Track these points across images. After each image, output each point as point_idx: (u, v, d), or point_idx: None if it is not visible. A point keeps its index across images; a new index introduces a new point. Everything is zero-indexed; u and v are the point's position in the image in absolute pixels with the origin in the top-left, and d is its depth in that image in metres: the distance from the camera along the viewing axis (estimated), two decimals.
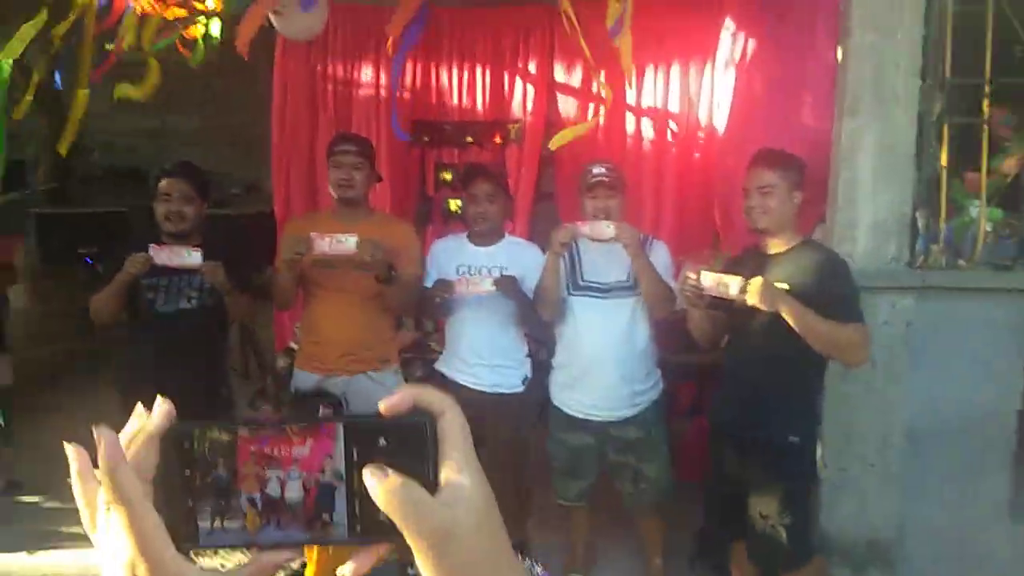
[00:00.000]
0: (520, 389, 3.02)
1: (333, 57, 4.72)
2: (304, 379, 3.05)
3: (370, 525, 0.47)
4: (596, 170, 2.74)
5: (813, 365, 2.46)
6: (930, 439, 2.93)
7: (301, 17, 3.08)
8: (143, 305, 2.83)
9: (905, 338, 2.84)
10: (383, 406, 0.48)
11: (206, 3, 3.26)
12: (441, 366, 3.14)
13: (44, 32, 5.04)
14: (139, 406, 0.49)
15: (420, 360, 3.81)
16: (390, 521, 0.45)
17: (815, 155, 2.99)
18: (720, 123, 4.53)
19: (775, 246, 2.51)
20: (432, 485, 0.47)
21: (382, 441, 0.48)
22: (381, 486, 0.45)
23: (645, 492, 2.85)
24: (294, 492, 0.47)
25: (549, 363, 4.02)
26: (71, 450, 0.47)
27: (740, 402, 2.54)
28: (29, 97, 3.36)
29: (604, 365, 2.76)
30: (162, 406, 0.48)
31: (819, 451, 2.86)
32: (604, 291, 2.74)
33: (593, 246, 2.82)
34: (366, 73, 4.74)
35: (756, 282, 2.28)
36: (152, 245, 2.70)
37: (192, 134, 9.18)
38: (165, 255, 2.68)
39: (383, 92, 4.78)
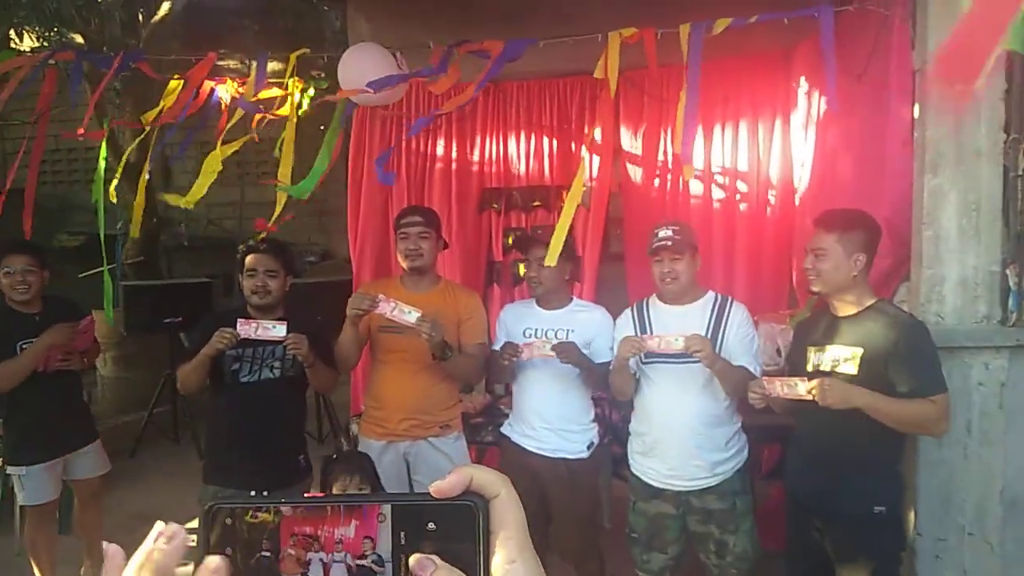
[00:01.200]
0: (585, 455, 2.98)
1: (406, 130, 4.88)
2: (368, 446, 3.09)
3: None
4: (661, 233, 2.71)
5: (893, 430, 2.35)
6: None
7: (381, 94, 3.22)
8: (228, 375, 2.92)
9: (1000, 400, 2.71)
10: (434, 489, 0.46)
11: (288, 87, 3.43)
12: (507, 430, 3.14)
13: (135, 117, 5.34)
14: (159, 524, 0.48)
15: (490, 425, 3.79)
16: None
17: (896, 213, 2.94)
18: (794, 181, 4.51)
19: (844, 308, 2.45)
20: (483, 573, 0.45)
21: (431, 525, 0.46)
22: None
23: (731, 566, 2.70)
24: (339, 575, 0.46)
25: (622, 426, 4.01)
26: (107, 550, 0.47)
27: (819, 471, 2.44)
28: (116, 179, 3.55)
29: (679, 433, 2.68)
30: (178, 536, 0.47)
31: (911, 520, 2.73)
32: (677, 358, 2.63)
33: (665, 310, 2.79)
34: (437, 144, 4.89)
35: (824, 384, 2.25)
36: (240, 320, 2.79)
37: (269, 205, 9.55)
38: (251, 329, 2.76)
39: (454, 163, 4.92)
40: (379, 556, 0.46)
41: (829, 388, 2.25)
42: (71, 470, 3.58)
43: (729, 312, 2.73)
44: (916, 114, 2.77)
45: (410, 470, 3.04)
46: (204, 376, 2.89)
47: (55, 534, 3.69)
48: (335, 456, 2.81)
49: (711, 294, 2.80)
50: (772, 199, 4.67)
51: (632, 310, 2.89)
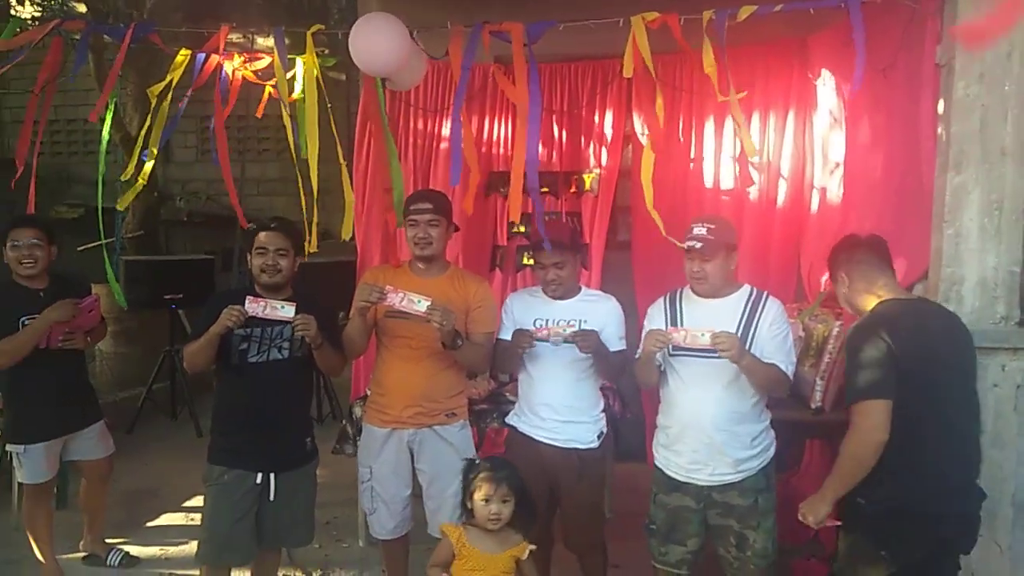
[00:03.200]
0: (595, 445, 2.96)
1: (414, 110, 4.82)
2: (371, 432, 3.06)
3: None
4: (695, 231, 2.65)
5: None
6: None
7: (404, 78, 3.15)
8: (235, 355, 2.87)
9: (1015, 402, 2.69)
10: None
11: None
12: (513, 420, 3.10)
13: (140, 91, 5.22)
14: None
15: (495, 411, 3.77)
16: None
17: (912, 210, 2.91)
18: (805, 173, 4.47)
19: None
20: None
21: None
22: None
23: (750, 560, 2.66)
24: None
25: (624, 417, 3.99)
26: None
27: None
28: (133, 163, 3.46)
29: (704, 429, 2.64)
30: None
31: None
32: (704, 352, 2.58)
33: (697, 302, 2.73)
34: (444, 125, 4.81)
35: None
36: (248, 297, 2.75)
37: (270, 182, 9.52)
38: (260, 308, 2.73)
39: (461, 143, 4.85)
40: None
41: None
42: (72, 451, 3.55)
43: (763, 307, 2.66)
44: (940, 110, 2.73)
45: (414, 459, 3.01)
46: (212, 355, 2.84)
47: (53, 510, 3.67)
48: (476, 461, 2.65)
49: (746, 288, 2.73)
50: (782, 191, 4.63)
51: (664, 300, 2.83)
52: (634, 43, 2.84)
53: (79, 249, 5.87)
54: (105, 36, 3.95)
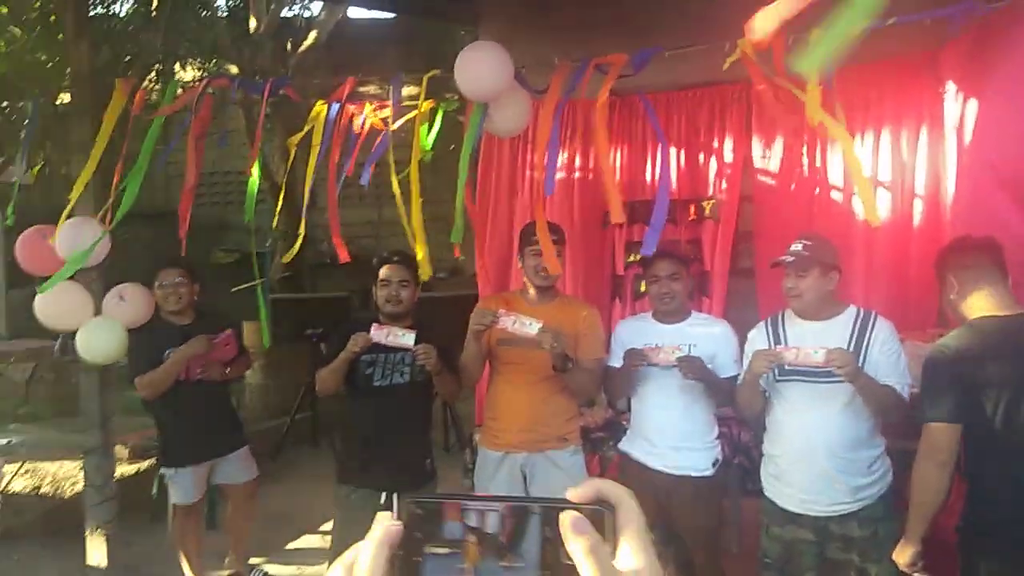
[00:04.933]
0: (710, 472, 2.91)
1: (532, 145, 4.95)
2: (486, 456, 3.13)
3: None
4: (791, 248, 2.63)
5: None
6: None
7: (506, 117, 3.26)
8: (361, 379, 3.06)
9: None
10: (571, 494, 0.54)
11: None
12: (626, 446, 3.09)
13: (283, 140, 5.64)
14: (380, 515, 0.53)
15: (612, 439, 3.76)
16: None
17: None
18: (941, 191, 4.23)
19: None
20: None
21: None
22: (582, 539, 0.50)
23: None
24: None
25: (751, 445, 3.87)
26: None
27: None
28: (279, 207, 3.75)
29: (816, 456, 2.55)
30: (392, 528, 0.52)
31: None
32: (814, 375, 2.51)
33: (802, 325, 2.67)
34: (561, 158, 4.91)
35: None
36: (373, 325, 2.94)
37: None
38: (383, 335, 2.91)
39: (577, 175, 4.94)
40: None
41: None
42: (218, 474, 3.84)
43: (873, 328, 2.58)
44: None
45: (527, 482, 3.06)
46: (341, 379, 3.05)
47: (202, 530, 3.97)
48: None
49: (853, 309, 2.66)
50: (918, 210, 4.40)
51: (766, 324, 2.79)
52: (748, 62, 2.81)
53: (232, 290, 6.35)
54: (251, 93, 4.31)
